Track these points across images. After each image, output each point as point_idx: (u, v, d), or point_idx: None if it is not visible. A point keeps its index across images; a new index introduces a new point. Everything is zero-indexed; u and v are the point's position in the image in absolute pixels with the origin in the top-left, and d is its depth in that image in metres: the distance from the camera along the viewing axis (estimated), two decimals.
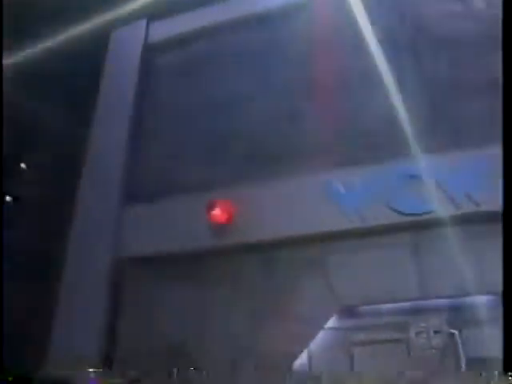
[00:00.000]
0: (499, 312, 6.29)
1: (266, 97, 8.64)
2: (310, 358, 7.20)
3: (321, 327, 7.21)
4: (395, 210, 7.12)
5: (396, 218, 7.11)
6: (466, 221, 6.81)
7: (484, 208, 6.69)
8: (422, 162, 7.14)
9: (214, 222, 7.82)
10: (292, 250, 7.63)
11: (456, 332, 6.51)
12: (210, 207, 7.80)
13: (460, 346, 6.43)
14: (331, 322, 7.26)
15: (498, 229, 6.52)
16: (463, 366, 6.29)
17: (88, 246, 8.19)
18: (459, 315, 6.62)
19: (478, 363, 6.18)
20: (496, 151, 6.69)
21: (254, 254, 7.76)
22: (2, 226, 6.77)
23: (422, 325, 6.51)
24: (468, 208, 6.80)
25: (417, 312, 6.83)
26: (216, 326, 7.54)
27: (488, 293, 6.52)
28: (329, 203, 7.47)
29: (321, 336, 7.26)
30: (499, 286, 6.35)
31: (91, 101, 9.49)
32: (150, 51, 10.25)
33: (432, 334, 6.48)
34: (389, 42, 8.06)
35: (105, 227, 8.32)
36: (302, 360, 7.16)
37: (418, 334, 6.74)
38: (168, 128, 9.20)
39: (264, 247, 7.70)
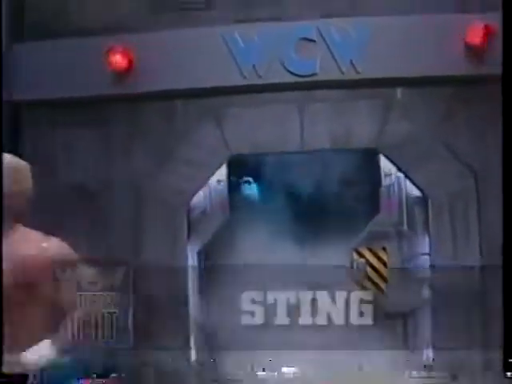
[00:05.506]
0: None
1: None
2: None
3: (213, 172, 8.14)
4: (287, 70, 7.81)
5: (288, 78, 7.83)
6: (346, 85, 7.79)
7: (363, 76, 7.63)
8: (318, 25, 7.69)
9: (113, 68, 7.86)
10: (188, 101, 8.13)
11: None
12: (110, 52, 7.75)
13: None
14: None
15: (373, 93, 7.72)
16: None
17: None
18: None
19: None
20: (385, 21, 7.52)
21: (153, 102, 8.12)
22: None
23: None
24: (350, 75, 7.69)
25: None
26: (118, 169, 8.09)
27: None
28: (227, 58, 7.88)
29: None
30: (371, 140, 7.76)
31: None
32: None
33: None
34: None
35: None
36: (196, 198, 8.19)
37: None
38: None
39: (162, 97, 8.07)
